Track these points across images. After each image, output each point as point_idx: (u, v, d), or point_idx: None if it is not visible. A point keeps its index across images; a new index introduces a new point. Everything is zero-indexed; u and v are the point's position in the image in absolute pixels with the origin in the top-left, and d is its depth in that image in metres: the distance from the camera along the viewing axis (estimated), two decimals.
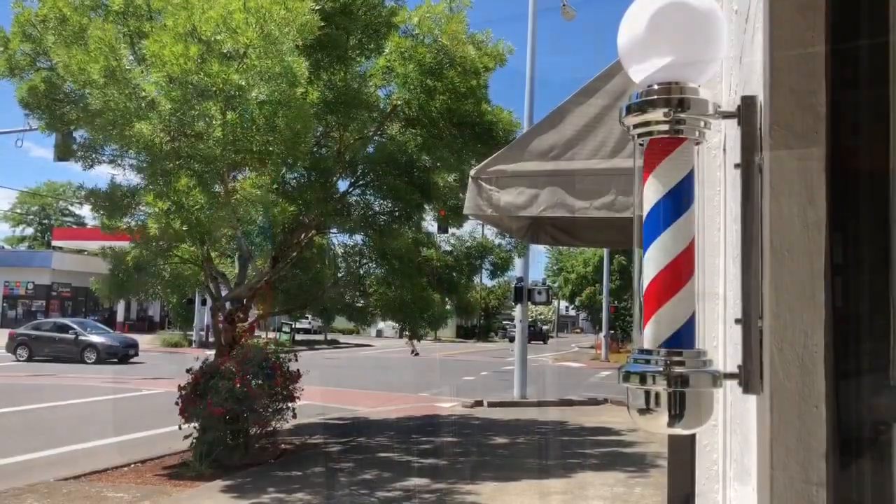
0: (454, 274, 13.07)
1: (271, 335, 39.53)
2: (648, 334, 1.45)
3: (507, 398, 18.25)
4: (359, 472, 9.78)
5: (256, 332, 17.07)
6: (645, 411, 1.43)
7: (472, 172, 5.06)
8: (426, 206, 12.17)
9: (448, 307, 13.90)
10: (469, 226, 14.66)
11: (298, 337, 46.50)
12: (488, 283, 58.26)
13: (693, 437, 3.83)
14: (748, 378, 1.39)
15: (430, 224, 14.17)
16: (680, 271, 1.42)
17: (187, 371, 10.29)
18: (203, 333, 38.01)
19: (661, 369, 1.40)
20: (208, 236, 8.79)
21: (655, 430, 1.46)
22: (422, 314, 12.41)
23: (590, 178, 4.62)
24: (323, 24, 8.87)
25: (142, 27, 8.73)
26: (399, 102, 10.63)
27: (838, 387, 1.19)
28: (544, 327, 71.57)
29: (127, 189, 10.29)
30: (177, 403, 9.97)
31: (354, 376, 24.95)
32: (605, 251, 39.08)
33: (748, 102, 1.47)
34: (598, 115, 4.65)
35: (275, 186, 8.97)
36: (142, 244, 10.18)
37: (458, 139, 11.18)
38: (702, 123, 1.46)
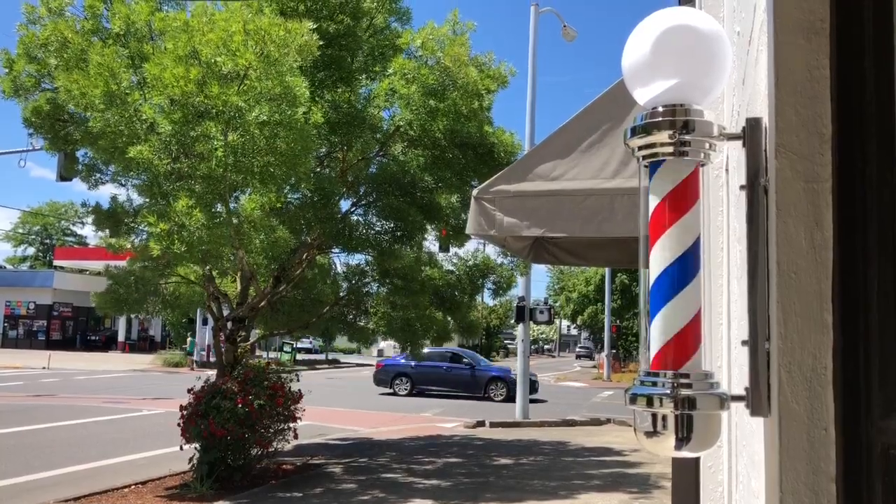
0: (456, 293, 13.06)
1: (272, 355, 39.54)
2: (655, 356, 1.44)
3: (509, 418, 18.17)
4: (360, 494, 9.72)
5: (257, 352, 17.04)
6: (652, 434, 1.42)
7: (474, 192, 5.07)
8: (428, 226, 12.19)
9: (450, 327, 13.88)
10: (471, 245, 14.66)
11: (300, 356, 46.42)
12: (490, 302, 58.33)
13: (697, 458, 3.82)
14: (755, 400, 1.39)
15: (432, 243, 14.20)
16: (689, 297, 1.42)
17: (188, 391, 10.27)
18: (204, 353, 37.93)
19: (668, 392, 1.39)
20: (210, 256, 8.80)
21: (662, 452, 1.46)
22: (425, 334, 12.40)
23: (592, 199, 4.63)
24: (324, 44, 8.93)
25: (143, 49, 8.79)
26: (402, 123, 10.68)
27: (848, 409, 1.18)
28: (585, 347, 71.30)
29: (129, 208, 10.34)
30: (179, 424, 9.93)
31: (356, 396, 24.86)
32: (607, 270, 39.08)
33: (753, 124, 1.47)
34: (600, 135, 4.66)
35: (278, 205, 9.00)
36: (143, 262, 10.20)
37: (461, 160, 11.22)
38: (707, 145, 1.46)
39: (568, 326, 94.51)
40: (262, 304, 11.40)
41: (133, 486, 9.87)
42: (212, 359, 31.14)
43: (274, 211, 9.00)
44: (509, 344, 69.94)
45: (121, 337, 52.43)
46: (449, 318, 13.32)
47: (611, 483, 10.59)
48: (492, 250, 13.88)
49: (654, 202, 1.47)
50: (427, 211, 11.51)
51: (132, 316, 25.16)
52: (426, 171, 11.33)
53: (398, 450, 13.70)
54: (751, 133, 1.47)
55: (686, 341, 1.42)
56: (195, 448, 9.86)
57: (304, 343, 52.62)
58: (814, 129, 1.26)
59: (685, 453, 1.43)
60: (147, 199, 9.21)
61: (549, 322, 25.51)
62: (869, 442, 1.15)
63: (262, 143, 7.71)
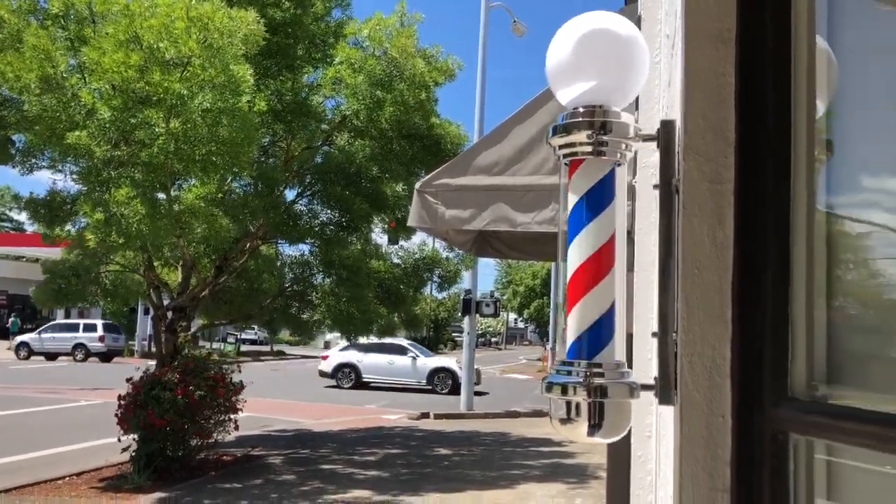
0: (402, 286, 13.08)
1: (216, 345, 39.00)
2: (570, 347, 1.50)
3: (453, 410, 18.29)
4: (300, 485, 9.70)
5: (200, 343, 16.82)
6: (566, 421, 1.48)
7: (417, 185, 5.11)
8: (374, 217, 12.19)
9: (395, 320, 13.89)
10: (419, 237, 14.70)
11: (244, 348, 45.90)
12: (438, 295, 58.42)
13: (629, 447, 3.93)
14: (663, 390, 1.46)
15: (379, 236, 14.19)
16: (602, 288, 1.48)
17: (127, 381, 10.11)
18: (146, 343, 37.21)
19: (581, 380, 1.45)
20: (151, 245, 8.67)
21: (576, 438, 1.51)
22: (368, 327, 12.40)
23: (532, 194, 4.70)
24: (268, 33, 8.85)
25: (82, 32, 8.59)
26: (348, 113, 10.64)
27: (743, 398, 1.25)
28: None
29: (67, 196, 10.10)
30: (116, 414, 9.78)
31: (300, 388, 24.71)
32: (553, 264, 39.51)
33: (667, 126, 1.54)
34: (540, 132, 4.73)
35: (219, 196, 8.90)
36: (80, 251, 9.99)
37: (408, 151, 11.24)
38: (623, 146, 1.52)
39: (515, 319, 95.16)
40: (204, 293, 11.27)
41: (68, 478, 9.69)
42: (153, 349, 30.51)
43: (216, 200, 8.90)
44: (457, 337, 70.09)
45: None
46: (395, 312, 13.34)
47: (550, 473, 10.76)
48: (440, 243, 13.94)
49: (572, 199, 1.52)
50: (373, 200, 11.51)
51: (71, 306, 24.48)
52: (372, 162, 11.32)
53: (340, 441, 13.69)
54: (665, 134, 1.53)
55: (599, 332, 1.48)
56: (133, 439, 9.72)
57: (249, 334, 51.99)
58: (720, 132, 1.33)
59: (598, 439, 1.49)
60: (85, 187, 9.01)
61: (496, 315, 25.68)
62: (760, 428, 1.22)
63: (204, 131, 7.61)
